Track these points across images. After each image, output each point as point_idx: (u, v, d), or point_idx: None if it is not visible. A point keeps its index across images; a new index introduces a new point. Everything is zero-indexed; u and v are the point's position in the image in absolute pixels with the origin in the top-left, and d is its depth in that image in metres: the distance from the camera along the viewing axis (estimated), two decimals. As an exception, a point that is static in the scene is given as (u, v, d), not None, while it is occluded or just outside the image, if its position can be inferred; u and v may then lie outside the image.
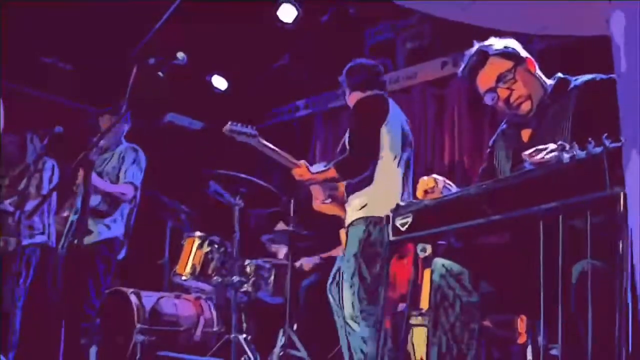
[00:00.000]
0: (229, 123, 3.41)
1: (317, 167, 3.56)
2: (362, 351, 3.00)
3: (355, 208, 3.20)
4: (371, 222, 3.10)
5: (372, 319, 2.98)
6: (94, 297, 3.83)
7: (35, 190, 4.05)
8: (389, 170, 3.19)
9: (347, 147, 3.22)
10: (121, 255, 4.10)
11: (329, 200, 3.74)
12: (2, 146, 4.11)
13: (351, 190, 3.26)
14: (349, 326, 3.07)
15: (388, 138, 3.19)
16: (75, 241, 3.84)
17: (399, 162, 3.22)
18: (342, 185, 3.55)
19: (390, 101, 3.31)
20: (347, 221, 3.25)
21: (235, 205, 4.17)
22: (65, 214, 4.12)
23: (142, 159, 4.23)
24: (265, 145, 3.44)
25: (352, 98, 3.37)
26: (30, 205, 3.84)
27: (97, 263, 3.87)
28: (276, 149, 3.45)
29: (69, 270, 3.85)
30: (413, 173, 3.60)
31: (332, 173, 3.19)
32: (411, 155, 3.35)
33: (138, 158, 4.21)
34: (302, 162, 3.37)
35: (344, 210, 3.38)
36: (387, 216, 1.95)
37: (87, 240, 3.87)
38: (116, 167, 4.12)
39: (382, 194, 3.13)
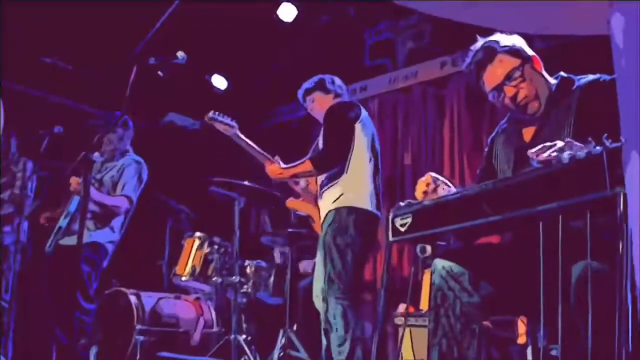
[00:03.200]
0: (211, 112, 3.65)
1: None
2: (336, 329, 3.10)
3: (329, 202, 3.34)
4: (342, 211, 3.25)
5: (341, 301, 3.12)
6: (82, 300, 3.82)
7: (19, 190, 4.05)
8: (360, 164, 3.35)
9: (323, 144, 3.38)
10: (104, 263, 4.09)
11: (304, 185, 3.83)
12: None
13: (325, 185, 3.40)
14: (323, 307, 3.19)
15: (361, 134, 3.38)
16: (60, 241, 3.89)
17: (369, 158, 3.39)
18: (313, 185, 3.71)
19: (363, 109, 3.51)
20: (322, 214, 3.40)
21: (235, 206, 4.17)
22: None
23: (144, 172, 4.23)
24: (242, 139, 3.71)
25: (324, 101, 3.58)
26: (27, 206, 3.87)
27: (81, 264, 3.82)
28: (252, 143, 3.71)
29: (54, 270, 3.85)
30: (412, 174, 3.62)
31: (307, 166, 3.35)
32: (378, 159, 3.50)
33: (140, 171, 4.21)
34: (276, 157, 3.62)
35: (317, 208, 3.54)
36: (387, 216, 1.95)
37: (70, 241, 3.87)
38: (115, 177, 4.14)
39: (354, 185, 3.30)
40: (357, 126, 3.38)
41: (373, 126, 3.55)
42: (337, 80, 3.68)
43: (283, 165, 3.54)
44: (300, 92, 3.73)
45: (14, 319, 3.71)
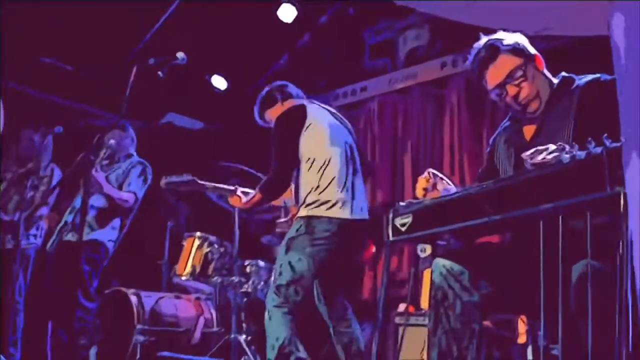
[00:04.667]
0: (163, 178, 3.55)
1: None
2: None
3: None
4: (306, 220, 3.04)
5: (286, 307, 3.06)
6: (82, 298, 3.84)
7: (41, 195, 4.10)
8: (315, 173, 3.08)
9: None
10: (105, 262, 4.14)
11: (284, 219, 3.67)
12: (19, 140, 4.27)
13: (296, 203, 3.22)
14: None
15: (311, 140, 3.12)
16: (65, 237, 3.93)
17: (327, 161, 3.09)
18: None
19: (310, 106, 3.26)
20: None
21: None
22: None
23: (149, 173, 4.33)
24: (202, 184, 3.56)
25: (274, 114, 3.34)
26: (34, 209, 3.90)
27: (82, 263, 3.87)
28: (215, 185, 3.58)
29: (55, 268, 3.88)
30: (412, 174, 3.53)
31: (258, 197, 3.18)
32: (349, 146, 3.22)
33: (144, 172, 4.31)
34: (236, 187, 3.45)
35: None
36: (386, 216, 1.95)
37: (74, 237, 3.90)
38: (120, 178, 4.23)
39: (317, 193, 3.05)
40: (304, 134, 3.10)
41: (333, 120, 3.25)
42: (275, 85, 3.47)
43: (244, 199, 3.34)
44: (256, 117, 3.49)
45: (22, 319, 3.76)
